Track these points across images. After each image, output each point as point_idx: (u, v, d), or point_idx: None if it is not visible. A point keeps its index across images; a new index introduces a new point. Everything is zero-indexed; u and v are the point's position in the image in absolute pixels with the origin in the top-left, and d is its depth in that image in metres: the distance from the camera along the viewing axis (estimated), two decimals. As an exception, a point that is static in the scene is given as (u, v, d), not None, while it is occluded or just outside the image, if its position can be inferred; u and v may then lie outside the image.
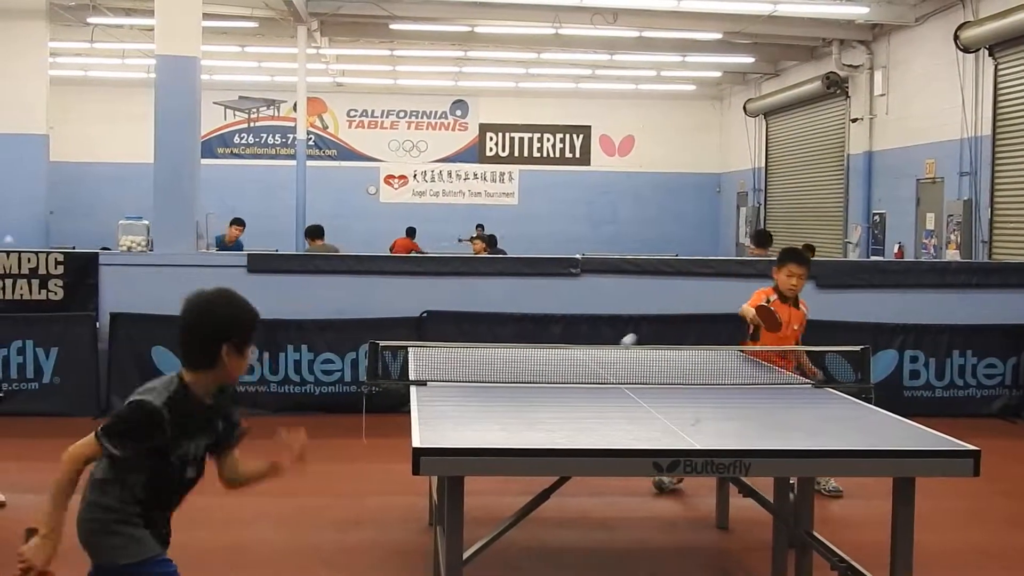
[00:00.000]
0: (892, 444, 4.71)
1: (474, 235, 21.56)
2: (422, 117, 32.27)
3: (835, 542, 5.40)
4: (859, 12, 19.80)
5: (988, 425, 10.49)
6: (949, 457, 4.47)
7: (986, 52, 17.51)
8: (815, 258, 15.43)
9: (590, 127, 32.42)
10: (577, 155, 32.54)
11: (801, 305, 7.92)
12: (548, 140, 32.52)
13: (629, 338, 7.76)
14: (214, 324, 3.81)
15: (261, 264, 10.83)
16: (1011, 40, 16.81)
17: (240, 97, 31.54)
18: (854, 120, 22.46)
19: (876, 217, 21.54)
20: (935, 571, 5.97)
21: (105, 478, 3.80)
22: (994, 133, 17.44)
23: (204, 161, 12.06)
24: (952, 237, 18.08)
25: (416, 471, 4.24)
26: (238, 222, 18.76)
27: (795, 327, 7.77)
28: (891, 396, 10.42)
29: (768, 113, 27.88)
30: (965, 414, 10.66)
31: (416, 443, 4.32)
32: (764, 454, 4.47)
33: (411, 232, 24.39)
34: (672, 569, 6.36)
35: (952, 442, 4.56)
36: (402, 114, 32.19)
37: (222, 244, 18.22)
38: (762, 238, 16.30)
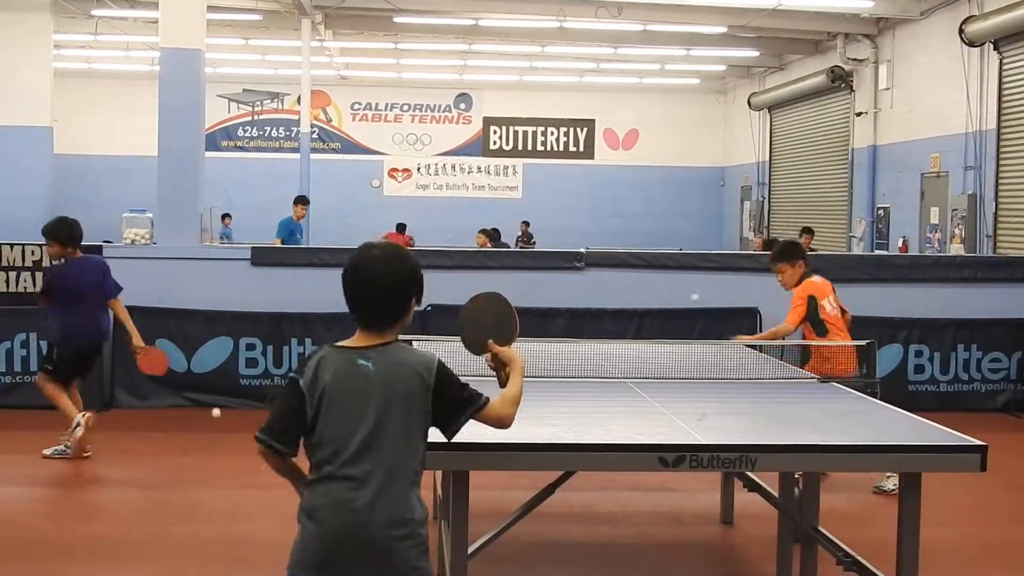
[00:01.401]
0: (898, 439, 4.69)
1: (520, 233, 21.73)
2: (426, 110, 32.26)
3: (840, 537, 5.38)
4: (864, 6, 19.76)
5: (993, 420, 10.47)
6: (956, 452, 4.45)
7: (991, 46, 17.47)
8: (820, 252, 15.42)
9: (594, 121, 32.39)
10: (581, 149, 32.52)
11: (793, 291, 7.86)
12: (552, 134, 32.49)
13: None
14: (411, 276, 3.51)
15: (265, 257, 10.82)
16: (1016, 34, 16.77)
17: (244, 90, 31.54)
18: (858, 114, 22.43)
19: (880, 211, 21.51)
20: (941, 566, 5.95)
21: (419, 472, 3.51)
22: (999, 127, 17.40)
23: (208, 154, 12.05)
24: (956, 231, 18.06)
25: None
26: (303, 200, 18.55)
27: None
28: (895, 390, 10.39)
29: (772, 107, 27.84)
30: (969, 409, 10.65)
31: (421, 437, 4.30)
32: (770, 449, 4.46)
33: (401, 227, 24.31)
34: (676, 563, 6.35)
35: (959, 437, 4.55)
36: (406, 107, 32.18)
37: (288, 224, 17.93)
38: (770, 247, 16.23)
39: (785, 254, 7.98)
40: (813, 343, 7.56)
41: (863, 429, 5.03)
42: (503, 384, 3.74)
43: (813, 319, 7.68)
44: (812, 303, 7.66)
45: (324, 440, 3.36)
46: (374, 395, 3.35)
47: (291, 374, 3.41)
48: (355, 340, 3.46)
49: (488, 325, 3.93)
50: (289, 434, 3.43)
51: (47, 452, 8.29)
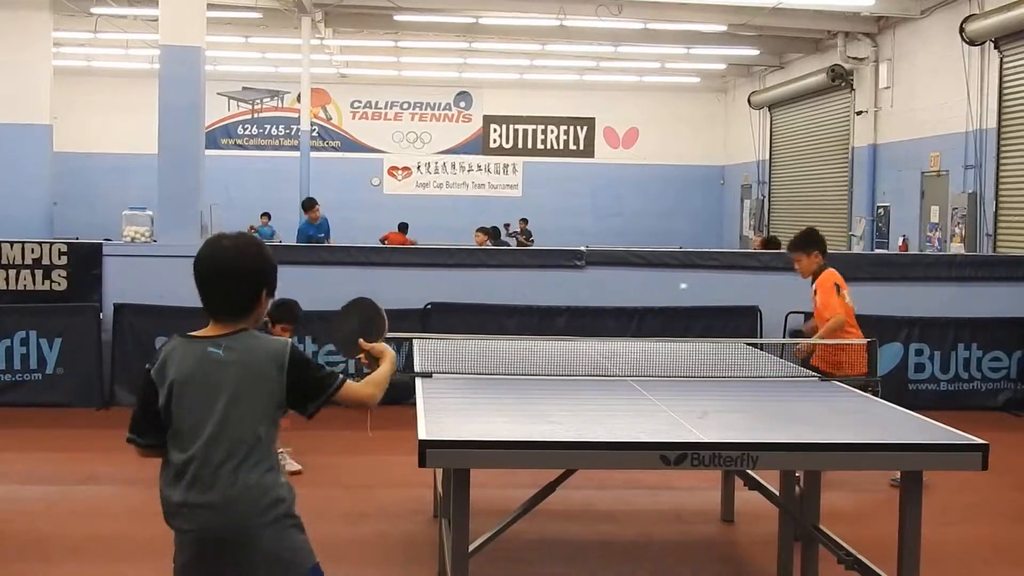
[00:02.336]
0: (899, 437, 4.68)
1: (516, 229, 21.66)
2: (426, 109, 32.26)
3: (841, 535, 5.38)
4: (864, 4, 19.76)
5: (993, 418, 10.46)
6: (957, 451, 4.44)
7: (991, 45, 17.47)
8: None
9: (594, 119, 32.40)
10: (581, 147, 32.52)
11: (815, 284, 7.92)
12: (552, 132, 32.49)
13: None
14: (261, 267, 3.57)
15: (265, 255, 10.80)
16: (1017, 33, 16.77)
17: (244, 88, 31.54)
18: (859, 113, 22.42)
19: (880, 210, 21.51)
20: (942, 565, 5.95)
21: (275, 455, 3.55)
22: (999, 126, 17.40)
23: (208, 152, 12.04)
24: (957, 230, 18.05)
25: (423, 464, 4.22)
26: (310, 203, 18.59)
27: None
28: (896, 389, 10.41)
29: (772, 105, 27.84)
30: (970, 407, 10.64)
31: (422, 436, 4.30)
32: (772, 447, 4.45)
33: (403, 227, 24.27)
34: (677, 562, 6.34)
35: (961, 435, 4.54)
36: (406, 105, 32.18)
37: (306, 231, 17.96)
38: (768, 245, 16.15)
39: (799, 243, 8.01)
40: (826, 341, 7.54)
41: (864, 427, 5.02)
42: None
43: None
44: (838, 291, 7.69)
45: (177, 429, 3.37)
46: (225, 382, 3.36)
47: (146, 366, 3.45)
48: (207, 330, 3.48)
49: (354, 328, 4.21)
50: (144, 426, 3.45)
51: None
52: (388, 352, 4.01)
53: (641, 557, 6.33)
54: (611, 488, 7.50)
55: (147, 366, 3.44)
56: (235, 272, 3.48)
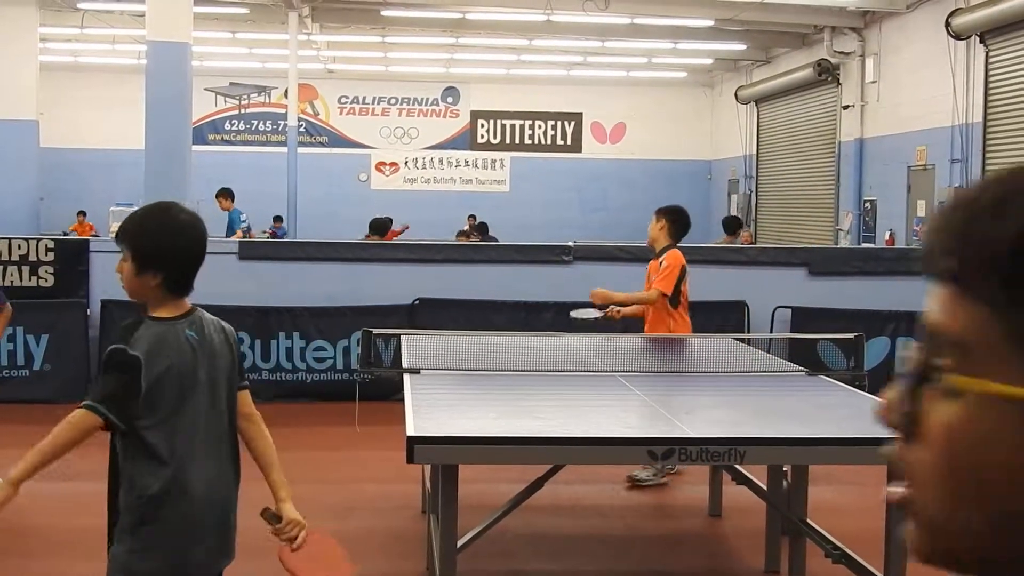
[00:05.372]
0: (886, 431, 4.70)
1: (465, 228, 21.52)
2: (413, 104, 32.22)
3: (829, 529, 5.40)
4: (851, -1, 19.81)
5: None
6: (943, 445, 4.46)
7: (977, 39, 17.52)
8: (806, 245, 15.45)
9: (581, 114, 32.39)
10: (568, 142, 32.53)
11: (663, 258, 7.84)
12: (540, 127, 32.49)
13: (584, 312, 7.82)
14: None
15: (252, 251, 10.80)
16: (1002, 27, 16.82)
17: (231, 83, 31.45)
18: (845, 107, 22.47)
19: (867, 204, 21.57)
20: (928, 558, 5.98)
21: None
22: (985, 120, 17.46)
23: (195, 148, 12.02)
24: (943, 224, 18.09)
25: (411, 460, 4.23)
26: (224, 193, 18.46)
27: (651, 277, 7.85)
28: (883, 383, 10.41)
29: (759, 100, 27.87)
30: (956, 401, 10.67)
31: (410, 432, 4.31)
32: (759, 442, 4.47)
33: (388, 222, 24.07)
34: (665, 556, 6.36)
35: (946, 430, 4.55)
36: (393, 101, 32.13)
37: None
38: (731, 224, 16.19)
39: (664, 209, 8.10)
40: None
41: (851, 422, 5.03)
42: None
43: (678, 287, 7.70)
44: (683, 273, 7.74)
45: (164, 416, 3.28)
46: (201, 366, 3.33)
47: (119, 345, 3.28)
48: (171, 309, 3.36)
49: None
50: (122, 406, 3.24)
51: None
52: None
53: (629, 551, 6.35)
54: (599, 483, 7.51)
55: (122, 346, 3.27)
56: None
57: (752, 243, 23.63)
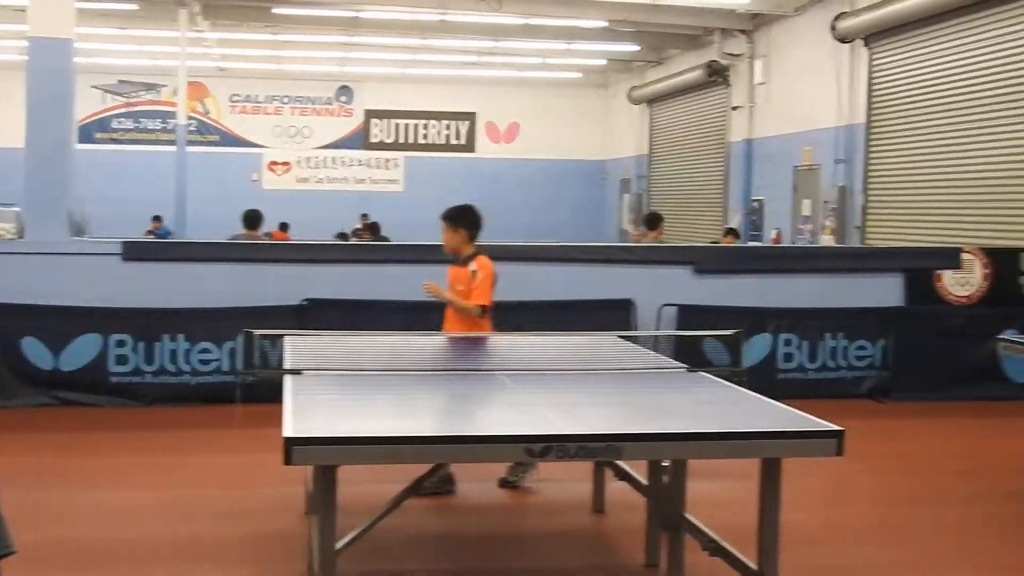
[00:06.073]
0: (760, 426, 4.80)
1: (359, 226, 21.38)
2: (306, 103, 31.99)
3: (707, 523, 5.49)
4: (740, 1, 20.18)
5: (858, 406, 10.78)
6: (814, 438, 4.57)
7: (862, 42, 17.95)
8: (696, 244, 15.66)
9: (475, 114, 32.47)
10: (463, 142, 32.57)
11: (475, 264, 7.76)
12: (434, 127, 32.49)
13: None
14: None
15: (137, 252, 10.61)
16: (886, 31, 17.27)
17: (119, 81, 30.90)
18: (735, 108, 22.85)
19: (755, 203, 21.95)
20: (802, 548, 6.11)
21: None
22: (868, 121, 17.90)
23: (82, 147, 11.83)
24: (827, 223, 18.52)
25: (288, 461, 4.19)
26: (157, 219, 18.47)
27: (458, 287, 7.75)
28: (766, 379, 10.63)
29: (652, 101, 28.20)
30: (837, 395, 10.92)
31: (287, 433, 4.27)
32: (636, 438, 4.52)
33: (284, 227, 23.94)
34: (547, 553, 6.40)
35: (817, 423, 4.67)
36: (286, 99, 31.87)
37: None
38: (652, 220, 16.31)
39: (450, 215, 7.87)
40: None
41: (728, 417, 5.13)
42: None
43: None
44: (495, 281, 7.71)
45: None
46: None
47: None
48: None
49: None
50: None
51: None
52: None
53: (514, 549, 6.38)
54: (485, 481, 7.54)
55: None
56: None
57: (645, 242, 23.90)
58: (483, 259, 7.70)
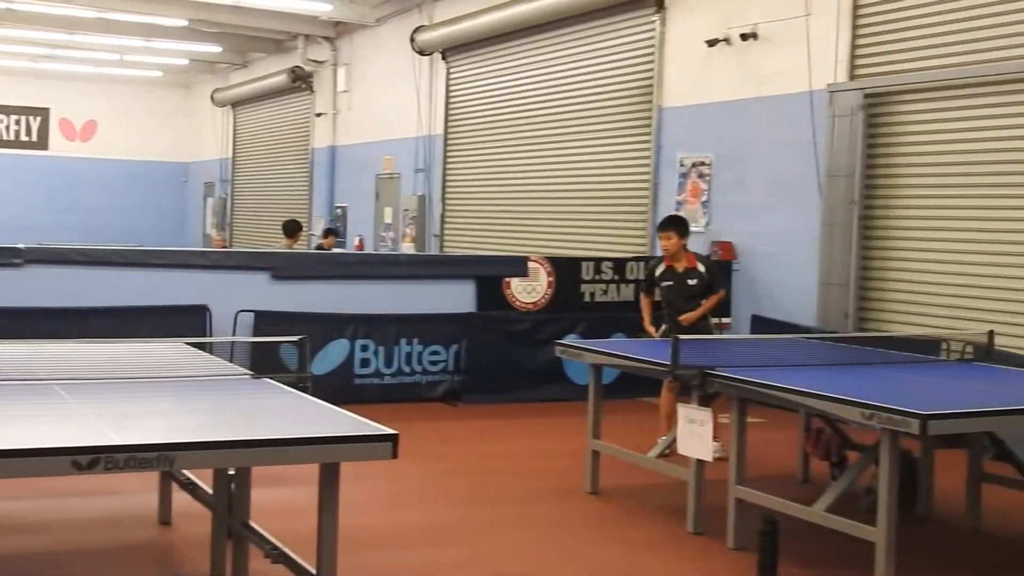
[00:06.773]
0: (317, 431, 4.84)
1: None
2: None
3: (274, 530, 5.46)
4: (323, 8, 20.24)
5: (432, 409, 11.12)
6: (370, 442, 4.65)
7: (440, 55, 18.52)
8: (274, 251, 15.63)
9: (48, 109, 30.82)
10: (34, 138, 30.82)
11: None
12: (2, 121, 30.56)
13: None
14: None
15: None
16: (460, 46, 17.92)
17: None
18: (319, 115, 22.97)
19: (339, 210, 22.16)
20: (367, 551, 6.23)
21: None
22: (445, 132, 18.51)
23: None
24: (408, 231, 18.98)
25: None
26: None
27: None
28: (343, 384, 10.80)
29: (236, 104, 27.86)
30: (413, 399, 11.23)
31: None
32: (189, 447, 4.43)
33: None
34: (110, 568, 6.16)
35: (372, 427, 4.75)
36: None
37: None
38: (291, 227, 16.13)
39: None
40: None
41: (290, 423, 5.12)
42: None
43: None
44: None
45: None
46: None
47: None
48: None
49: None
50: None
51: None
52: None
53: (72, 567, 6.10)
54: (40, 498, 7.16)
55: None
56: None
57: (226, 247, 23.59)
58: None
